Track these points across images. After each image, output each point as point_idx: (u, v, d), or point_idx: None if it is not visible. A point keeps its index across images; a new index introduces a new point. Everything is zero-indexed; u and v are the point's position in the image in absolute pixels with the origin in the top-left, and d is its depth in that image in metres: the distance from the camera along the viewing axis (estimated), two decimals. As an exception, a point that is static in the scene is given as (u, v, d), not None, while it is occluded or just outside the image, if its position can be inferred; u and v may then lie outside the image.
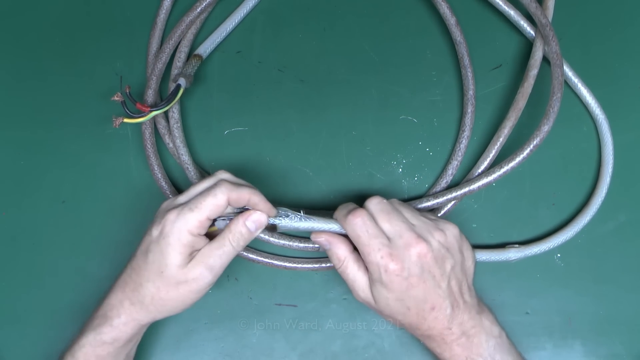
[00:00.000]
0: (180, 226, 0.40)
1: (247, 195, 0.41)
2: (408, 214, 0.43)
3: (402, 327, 0.44)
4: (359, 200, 0.46)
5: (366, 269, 0.42)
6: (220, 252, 0.41)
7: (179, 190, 0.52)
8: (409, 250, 0.40)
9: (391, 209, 0.43)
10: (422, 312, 0.41)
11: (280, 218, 0.43)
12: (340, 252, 0.43)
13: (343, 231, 0.43)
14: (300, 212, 0.44)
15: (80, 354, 0.41)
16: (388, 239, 0.41)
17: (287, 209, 0.44)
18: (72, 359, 0.42)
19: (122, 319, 0.41)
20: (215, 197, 0.40)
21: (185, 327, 0.50)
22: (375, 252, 0.40)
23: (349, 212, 0.42)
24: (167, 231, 0.40)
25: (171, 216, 0.40)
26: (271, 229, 0.43)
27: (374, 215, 0.42)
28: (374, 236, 0.41)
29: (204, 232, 0.41)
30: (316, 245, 0.49)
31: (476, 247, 0.51)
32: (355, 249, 0.43)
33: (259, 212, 0.42)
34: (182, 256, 0.40)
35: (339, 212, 0.44)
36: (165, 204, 0.43)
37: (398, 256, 0.40)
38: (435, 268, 0.41)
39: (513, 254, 0.50)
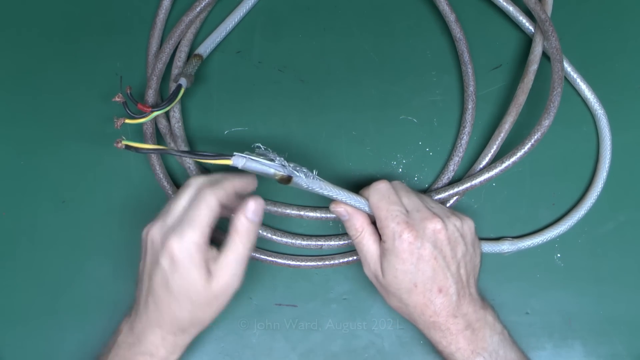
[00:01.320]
0: (188, 247, 0.39)
1: (231, 187, 0.41)
2: (427, 200, 0.46)
3: (406, 315, 0.44)
4: (359, 200, 0.46)
5: (380, 242, 0.44)
6: (237, 257, 0.40)
7: (179, 190, 0.52)
8: (425, 224, 0.42)
9: (412, 190, 0.46)
10: (428, 293, 0.42)
11: (297, 172, 0.42)
12: (359, 223, 0.45)
13: (354, 203, 0.45)
14: (313, 172, 0.44)
15: None
16: (407, 211, 0.43)
17: (300, 166, 0.43)
18: None
19: (169, 349, 0.41)
20: (208, 205, 0.39)
21: (185, 327, 0.50)
22: (393, 217, 0.42)
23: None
24: (178, 257, 0.39)
25: (174, 242, 0.39)
26: (286, 180, 0.42)
27: (396, 189, 0.45)
28: (394, 203, 0.43)
29: (209, 240, 0.40)
30: (319, 243, 0.50)
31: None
32: (372, 224, 0.45)
33: (252, 200, 0.41)
34: (202, 273, 0.39)
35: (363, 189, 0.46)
36: (150, 231, 0.41)
37: (414, 226, 0.42)
38: (447, 249, 0.42)
39: (507, 246, 0.50)
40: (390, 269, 0.42)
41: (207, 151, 0.41)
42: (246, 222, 0.40)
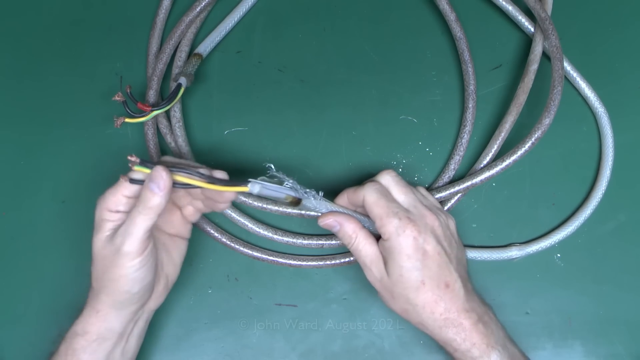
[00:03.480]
0: (100, 205, 0.41)
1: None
2: (418, 193, 0.45)
3: (414, 318, 0.43)
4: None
5: (377, 244, 0.43)
6: (132, 217, 0.39)
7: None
8: (424, 220, 0.42)
9: (405, 182, 0.45)
10: (436, 290, 0.41)
11: (306, 195, 0.43)
12: (351, 228, 0.43)
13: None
14: (319, 194, 0.44)
15: (62, 347, 0.42)
16: (404, 208, 0.43)
17: (307, 188, 0.43)
18: (56, 353, 0.43)
19: (87, 309, 0.42)
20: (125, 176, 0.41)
21: (186, 327, 0.50)
22: (395, 213, 0.41)
23: (365, 182, 0.44)
24: (95, 215, 0.41)
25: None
26: (296, 203, 0.43)
27: (388, 187, 0.44)
28: (392, 200, 0.43)
29: (126, 208, 0.40)
30: (320, 242, 0.50)
31: (478, 247, 0.51)
32: (363, 228, 0.44)
33: (153, 170, 0.39)
34: (106, 232, 0.40)
35: (348, 190, 0.45)
36: None
37: (415, 221, 0.41)
38: (445, 243, 0.42)
39: (515, 252, 0.50)
40: (396, 268, 0.41)
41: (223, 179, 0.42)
42: (145, 188, 0.39)
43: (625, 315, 0.50)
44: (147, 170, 0.39)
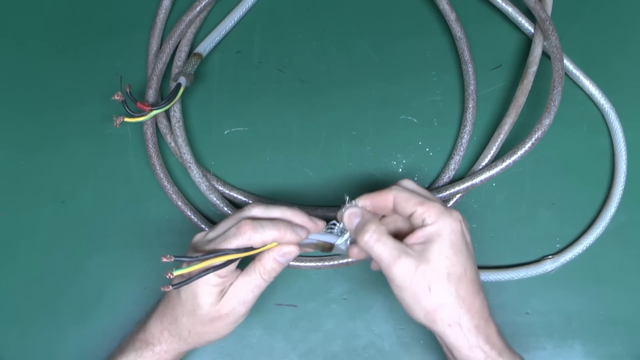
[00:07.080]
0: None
1: (271, 237, 0.40)
2: None
3: (453, 311, 0.38)
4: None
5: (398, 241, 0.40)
6: (252, 287, 0.41)
7: (180, 189, 0.52)
8: (451, 213, 0.39)
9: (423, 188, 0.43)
10: (474, 285, 0.39)
11: (340, 239, 0.42)
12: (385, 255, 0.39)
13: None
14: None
15: None
16: None
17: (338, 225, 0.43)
18: None
19: (164, 347, 0.43)
20: (237, 242, 0.40)
21: (185, 327, 0.50)
22: (435, 200, 0.40)
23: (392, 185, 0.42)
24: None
25: None
26: (329, 249, 0.43)
27: (413, 188, 0.42)
28: (426, 192, 0.41)
29: (232, 271, 0.41)
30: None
31: (511, 266, 0.51)
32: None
33: (287, 246, 0.41)
34: (213, 296, 0.40)
35: (368, 195, 0.42)
36: (196, 239, 0.42)
37: (447, 212, 0.39)
38: (469, 238, 0.40)
39: (549, 265, 0.50)
40: (442, 249, 0.38)
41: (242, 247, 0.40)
42: (274, 260, 0.41)
43: (625, 315, 0.50)
44: (183, 271, 0.38)
